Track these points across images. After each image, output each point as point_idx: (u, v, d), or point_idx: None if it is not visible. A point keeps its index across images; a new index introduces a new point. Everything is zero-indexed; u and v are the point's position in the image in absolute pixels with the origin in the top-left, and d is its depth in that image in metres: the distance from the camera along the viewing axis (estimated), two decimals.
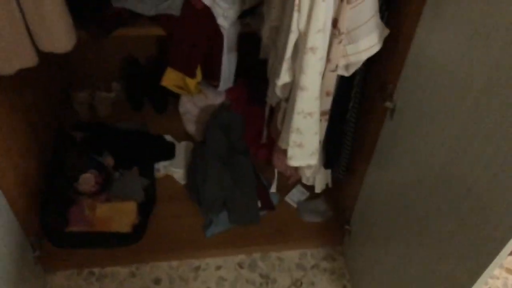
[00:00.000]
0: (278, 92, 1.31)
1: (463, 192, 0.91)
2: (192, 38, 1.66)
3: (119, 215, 1.65)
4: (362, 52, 1.12)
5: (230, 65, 1.76)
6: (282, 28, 1.27)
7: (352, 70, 1.19)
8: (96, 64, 2.07)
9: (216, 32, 1.66)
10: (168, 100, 2.11)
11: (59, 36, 1.22)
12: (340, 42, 1.11)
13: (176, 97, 2.03)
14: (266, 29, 1.46)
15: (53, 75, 1.90)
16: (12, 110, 1.44)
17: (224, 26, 1.65)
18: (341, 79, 1.28)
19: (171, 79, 1.81)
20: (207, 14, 1.63)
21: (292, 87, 1.27)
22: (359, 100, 1.40)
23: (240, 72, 1.81)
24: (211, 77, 1.81)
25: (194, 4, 1.64)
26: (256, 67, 1.71)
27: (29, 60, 1.23)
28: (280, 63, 1.24)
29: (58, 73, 1.99)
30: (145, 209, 1.72)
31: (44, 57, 1.27)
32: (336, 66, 1.16)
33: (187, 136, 2.04)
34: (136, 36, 1.71)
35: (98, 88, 2.03)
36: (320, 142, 1.36)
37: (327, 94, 1.25)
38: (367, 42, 1.11)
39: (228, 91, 1.96)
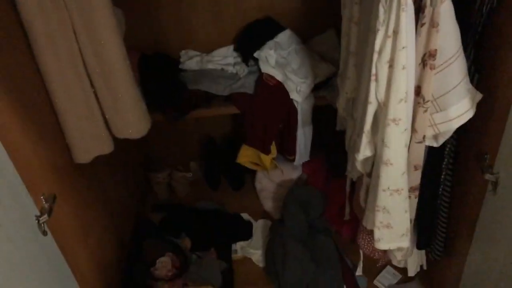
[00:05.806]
0: (358, 167, 1.21)
1: None
2: (266, 115, 1.63)
3: None
4: (452, 120, 1.00)
5: (305, 139, 1.71)
6: (358, 99, 1.19)
7: (442, 140, 1.06)
8: (174, 145, 2.10)
9: (290, 107, 1.62)
10: (244, 177, 2.07)
11: (134, 122, 1.23)
12: (426, 110, 1.00)
13: (253, 173, 1.99)
14: (341, 101, 1.39)
15: (132, 158, 1.94)
16: (92, 197, 1.46)
17: (298, 100, 1.61)
18: (430, 150, 1.15)
19: (246, 156, 1.78)
20: (280, 89, 1.61)
21: (374, 161, 1.16)
22: (452, 172, 1.25)
23: (317, 144, 1.75)
24: (287, 151, 1.76)
25: (267, 81, 1.63)
26: (333, 138, 1.63)
27: (105, 147, 1.26)
28: (359, 135, 1.15)
29: (137, 155, 2.03)
30: None
31: (123, 142, 1.29)
32: (424, 137, 1.04)
33: (264, 214, 1.96)
34: (211, 116, 1.71)
35: (176, 168, 2.05)
36: (411, 221, 1.21)
37: (415, 168, 1.12)
38: (457, 109, 0.98)
39: (305, 165, 1.89)
